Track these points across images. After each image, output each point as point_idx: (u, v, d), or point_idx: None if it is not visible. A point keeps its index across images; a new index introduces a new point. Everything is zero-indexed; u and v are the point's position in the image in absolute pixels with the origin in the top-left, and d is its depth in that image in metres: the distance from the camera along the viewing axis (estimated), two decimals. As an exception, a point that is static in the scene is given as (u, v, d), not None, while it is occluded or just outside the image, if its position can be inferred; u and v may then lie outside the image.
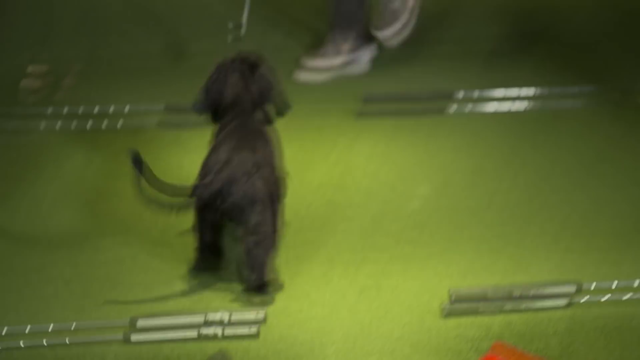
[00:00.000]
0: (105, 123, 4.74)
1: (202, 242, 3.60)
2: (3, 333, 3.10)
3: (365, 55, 5.33)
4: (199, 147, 3.73)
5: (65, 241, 3.83)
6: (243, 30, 5.45)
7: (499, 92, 4.83)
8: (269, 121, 3.81)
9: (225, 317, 3.21)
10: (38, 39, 5.82)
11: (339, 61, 5.37)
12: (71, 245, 3.74)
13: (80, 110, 4.80)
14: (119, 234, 3.81)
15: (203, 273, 3.59)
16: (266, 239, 3.52)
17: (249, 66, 3.84)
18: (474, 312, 3.20)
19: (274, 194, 3.65)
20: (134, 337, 3.06)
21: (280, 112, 3.84)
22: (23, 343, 3.08)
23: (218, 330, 3.14)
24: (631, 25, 5.64)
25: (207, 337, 3.12)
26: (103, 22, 6.23)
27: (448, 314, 3.17)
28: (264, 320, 3.16)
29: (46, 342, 3.10)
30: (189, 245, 3.52)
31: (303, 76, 5.19)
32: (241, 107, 3.79)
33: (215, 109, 3.78)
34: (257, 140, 3.69)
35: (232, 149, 3.54)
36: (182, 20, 6.18)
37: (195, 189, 3.39)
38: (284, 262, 3.53)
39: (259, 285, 3.51)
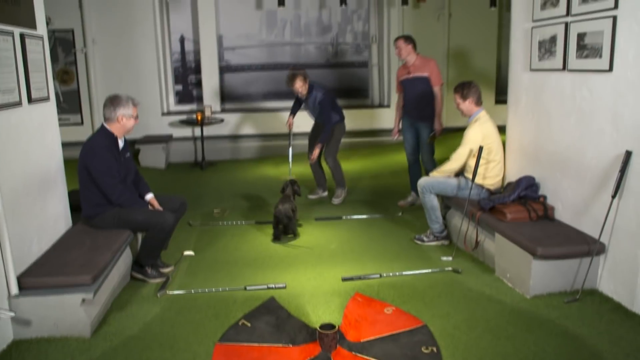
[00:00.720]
0: (240, 223, 4.99)
1: (275, 231, 4.45)
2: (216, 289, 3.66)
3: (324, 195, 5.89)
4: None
5: (234, 257, 4.14)
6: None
7: (356, 215, 5.20)
8: (297, 195, 4.81)
9: (274, 284, 3.58)
10: (214, 199, 6.00)
11: (318, 196, 5.83)
12: (230, 261, 4.07)
13: (231, 222, 5.11)
14: (246, 256, 4.18)
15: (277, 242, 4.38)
16: (291, 225, 4.47)
17: (292, 182, 4.75)
18: (351, 280, 3.67)
19: (294, 213, 4.51)
20: (248, 288, 3.58)
21: (299, 195, 4.83)
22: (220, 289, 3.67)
23: (272, 286, 3.53)
24: (389, 194, 5.82)
25: (270, 289, 3.50)
26: (234, 190, 6.39)
27: (342, 281, 3.67)
28: (285, 286, 3.58)
29: (227, 288, 3.65)
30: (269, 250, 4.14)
31: (311, 196, 5.81)
32: (287, 193, 4.56)
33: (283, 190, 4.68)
34: (289, 201, 4.45)
35: (282, 203, 4.37)
36: (265, 187, 6.45)
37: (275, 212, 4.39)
38: (288, 268, 3.92)
39: (292, 233, 4.49)
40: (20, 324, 2.85)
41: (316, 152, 5.49)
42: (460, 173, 4.27)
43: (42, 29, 3.52)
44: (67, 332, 2.90)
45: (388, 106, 8.76)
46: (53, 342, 2.85)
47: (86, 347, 2.81)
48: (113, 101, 3.56)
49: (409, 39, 5.17)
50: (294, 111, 5.88)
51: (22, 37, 3.19)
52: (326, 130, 5.43)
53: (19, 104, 3.10)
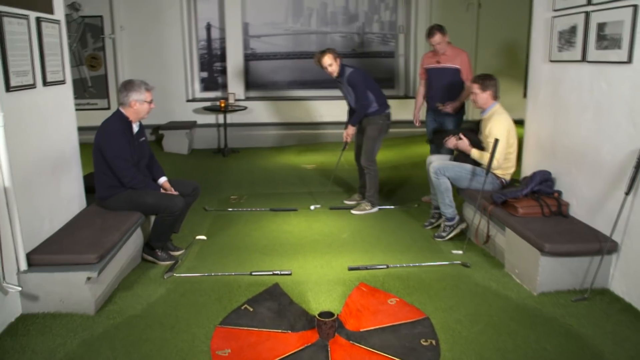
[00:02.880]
0: (255, 210, 5.04)
1: None
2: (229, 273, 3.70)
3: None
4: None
5: (244, 243, 4.19)
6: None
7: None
8: None
9: (279, 271, 3.62)
10: (233, 185, 6.08)
11: (355, 202, 5.19)
12: (240, 247, 4.13)
13: (246, 208, 5.19)
14: (256, 242, 4.21)
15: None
16: None
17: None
18: (357, 270, 3.68)
19: None
20: (254, 274, 3.62)
21: None
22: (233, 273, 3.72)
23: (277, 273, 3.59)
24: (407, 185, 5.83)
25: (275, 275, 3.56)
26: (254, 177, 6.51)
27: (349, 270, 3.68)
28: (291, 273, 3.61)
29: (233, 273, 3.68)
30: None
31: (347, 202, 5.25)
32: None
33: None
34: None
35: None
36: (284, 175, 6.60)
37: None
38: (296, 255, 3.94)
39: None
40: (28, 298, 2.96)
41: (350, 130, 4.82)
42: (476, 163, 4.19)
43: (59, 13, 3.58)
44: (72, 308, 2.99)
45: (414, 97, 8.63)
46: (58, 318, 2.95)
47: (89, 324, 2.90)
48: (126, 86, 3.62)
49: (443, 29, 4.80)
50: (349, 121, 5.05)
51: (38, 21, 3.27)
52: (359, 109, 4.76)
53: (33, 86, 3.18)
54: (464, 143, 4.21)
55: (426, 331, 2.89)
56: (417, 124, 5.47)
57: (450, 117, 4.98)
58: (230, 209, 5.14)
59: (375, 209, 5.01)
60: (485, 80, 4.06)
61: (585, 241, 3.25)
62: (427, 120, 5.26)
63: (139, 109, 3.66)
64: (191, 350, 2.69)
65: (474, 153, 4.14)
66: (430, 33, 4.84)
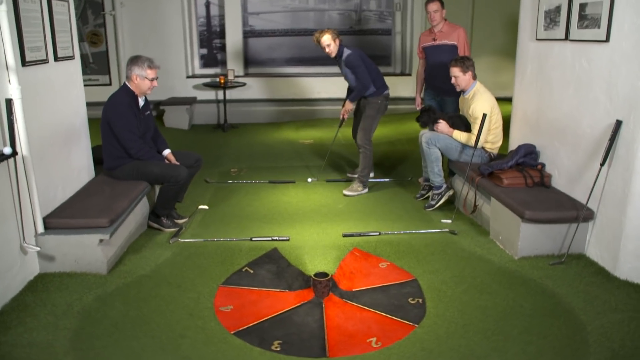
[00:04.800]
0: (255, 182, 5.21)
1: None
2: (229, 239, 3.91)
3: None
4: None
5: (245, 212, 4.40)
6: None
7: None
8: None
9: (278, 237, 3.82)
10: (233, 159, 6.21)
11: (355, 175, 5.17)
12: (241, 216, 4.31)
13: (246, 180, 5.36)
14: (256, 211, 4.40)
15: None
16: None
17: None
18: (351, 236, 3.89)
19: None
20: (254, 239, 3.85)
21: None
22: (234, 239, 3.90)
23: (276, 238, 3.79)
24: (402, 159, 6.00)
25: (274, 241, 3.76)
26: (253, 151, 6.60)
27: (343, 236, 3.88)
28: (289, 239, 3.82)
29: (235, 239, 3.90)
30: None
31: (350, 175, 5.38)
32: None
33: None
34: None
35: None
36: (283, 150, 6.75)
37: None
38: (294, 224, 4.14)
39: None
40: (45, 259, 3.20)
41: (347, 106, 4.81)
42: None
43: (68, -9, 3.75)
44: (86, 268, 3.23)
45: (410, 74, 8.84)
46: (73, 276, 3.19)
47: (102, 282, 3.14)
48: (133, 60, 3.80)
49: (443, 3, 4.79)
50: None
51: (49, -2, 3.46)
52: (359, 88, 4.74)
53: (45, 61, 3.36)
54: (442, 127, 4.38)
55: (414, 291, 3.12)
56: (418, 108, 5.28)
57: (451, 97, 4.88)
58: (230, 181, 5.32)
59: (366, 190, 4.95)
60: (464, 62, 4.22)
61: (564, 209, 3.47)
62: (426, 100, 5.21)
63: (139, 83, 3.81)
64: (197, 306, 2.92)
65: (456, 135, 4.34)
66: (429, 1, 4.81)
